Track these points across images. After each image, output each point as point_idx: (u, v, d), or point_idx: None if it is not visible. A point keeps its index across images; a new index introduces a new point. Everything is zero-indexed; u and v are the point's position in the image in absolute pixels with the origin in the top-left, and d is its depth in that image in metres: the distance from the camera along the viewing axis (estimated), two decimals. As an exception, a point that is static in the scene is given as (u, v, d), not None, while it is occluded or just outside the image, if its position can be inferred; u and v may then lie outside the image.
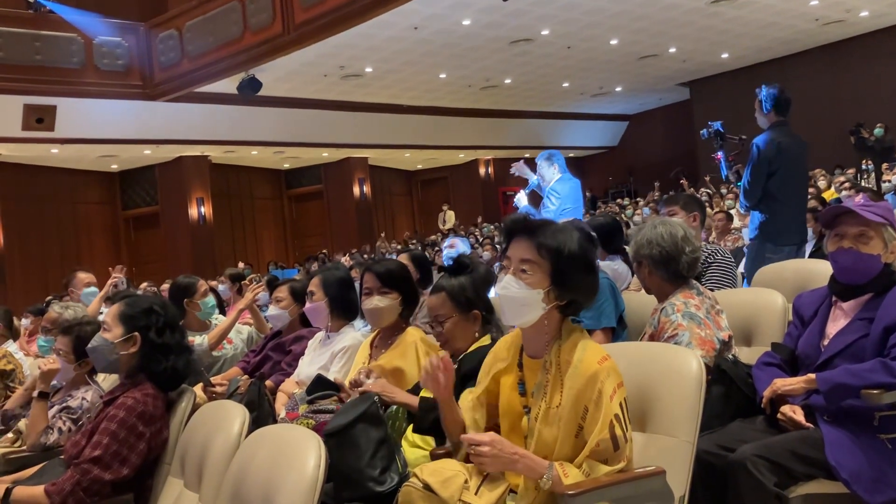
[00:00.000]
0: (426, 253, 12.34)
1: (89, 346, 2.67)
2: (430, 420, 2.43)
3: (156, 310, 2.65)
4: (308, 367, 3.41)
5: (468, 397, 2.16)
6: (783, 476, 2.15)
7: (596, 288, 2.04)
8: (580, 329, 2.00)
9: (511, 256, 2.02)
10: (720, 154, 4.72)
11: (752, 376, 2.56)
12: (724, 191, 14.29)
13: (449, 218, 20.40)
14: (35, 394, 3.26)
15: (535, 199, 6.12)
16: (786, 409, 2.38)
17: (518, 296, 1.96)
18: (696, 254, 2.84)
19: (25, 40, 12.86)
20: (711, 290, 3.24)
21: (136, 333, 2.58)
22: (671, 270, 2.80)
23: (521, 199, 5.99)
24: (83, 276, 5.38)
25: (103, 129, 14.47)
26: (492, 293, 2.75)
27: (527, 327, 2.01)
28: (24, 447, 3.27)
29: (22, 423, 3.56)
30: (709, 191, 14.85)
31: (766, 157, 4.47)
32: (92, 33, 13.48)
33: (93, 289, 5.27)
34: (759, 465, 2.13)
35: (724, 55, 17.22)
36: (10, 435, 3.56)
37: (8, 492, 2.42)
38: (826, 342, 2.46)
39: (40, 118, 13.46)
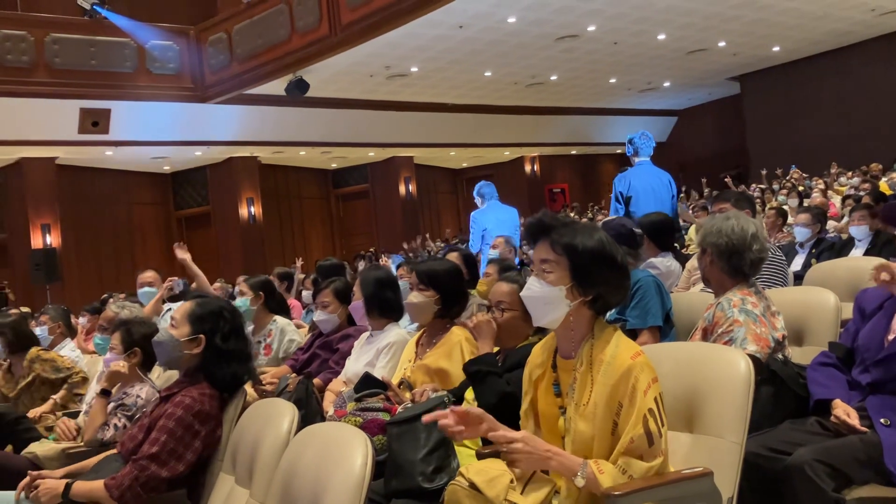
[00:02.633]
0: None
1: (155, 339, 2.72)
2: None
3: (225, 315, 2.67)
4: (354, 364, 3.45)
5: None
6: (841, 481, 2.11)
7: (623, 284, 2.03)
8: (613, 327, 1.99)
9: (534, 259, 2.04)
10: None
11: (803, 377, 2.50)
12: (776, 187, 13.99)
13: (481, 218, 20.27)
14: (98, 390, 3.37)
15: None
16: (839, 411, 2.32)
17: (541, 294, 1.97)
18: (762, 254, 2.79)
19: (81, 46, 13.21)
20: (762, 288, 3.19)
21: (202, 336, 2.63)
22: (733, 264, 2.76)
23: None
24: (142, 275, 5.45)
25: (156, 132, 14.79)
26: None
27: (557, 327, 2.01)
28: (82, 442, 3.38)
29: (81, 419, 3.68)
30: (762, 186, 14.54)
31: (619, 191, 5.55)
32: (144, 39, 13.79)
33: (147, 289, 5.35)
34: (819, 470, 2.08)
35: (776, 48, 16.84)
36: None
37: (68, 486, 2.50)
38: (892, 336, 2.39)
39: (95, 121, 13.80)
